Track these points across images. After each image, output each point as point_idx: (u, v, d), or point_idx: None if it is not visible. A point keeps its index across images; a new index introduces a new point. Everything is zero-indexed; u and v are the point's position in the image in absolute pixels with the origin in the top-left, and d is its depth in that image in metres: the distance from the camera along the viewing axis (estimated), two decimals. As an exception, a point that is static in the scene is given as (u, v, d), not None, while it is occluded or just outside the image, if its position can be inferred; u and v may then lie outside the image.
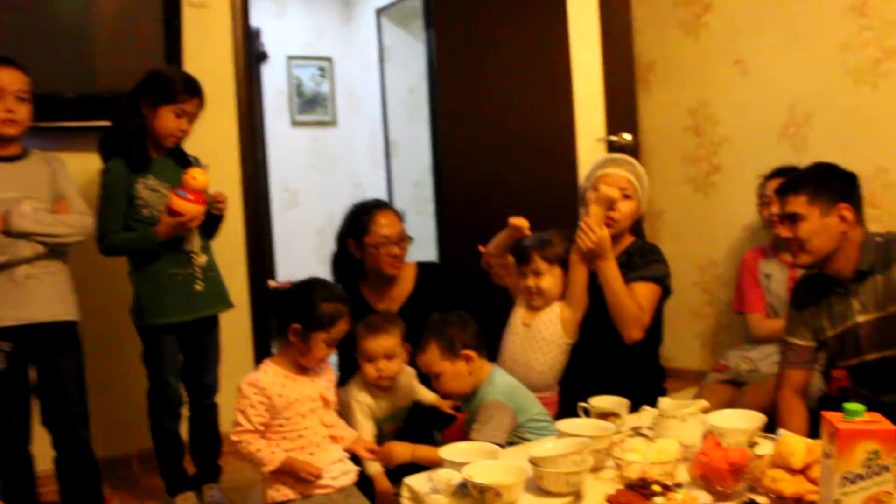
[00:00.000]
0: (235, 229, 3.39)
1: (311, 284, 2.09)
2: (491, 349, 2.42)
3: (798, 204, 2.17)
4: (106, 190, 2.60)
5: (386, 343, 2.35)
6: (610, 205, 2.54)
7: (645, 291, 2.56)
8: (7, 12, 2.88)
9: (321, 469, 2.00)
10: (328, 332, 2.03)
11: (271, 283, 2.13)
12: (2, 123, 2.38)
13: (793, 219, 2.19)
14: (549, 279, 2.55)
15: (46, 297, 2.42)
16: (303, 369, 2.07)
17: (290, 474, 1.99)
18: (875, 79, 3.22)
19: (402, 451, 2.16)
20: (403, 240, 2.73)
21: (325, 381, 2.09)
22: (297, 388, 2.03)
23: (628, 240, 2.70)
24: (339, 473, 2.04)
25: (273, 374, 2.03)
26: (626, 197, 2.64)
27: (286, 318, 2.03)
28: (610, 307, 2.52)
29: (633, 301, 2.51)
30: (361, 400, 2.39)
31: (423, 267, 2.87)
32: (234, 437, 2.00)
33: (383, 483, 2.22)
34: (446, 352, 2.20)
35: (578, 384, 2.36)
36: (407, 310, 2.76)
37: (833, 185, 2.18)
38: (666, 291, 2.61)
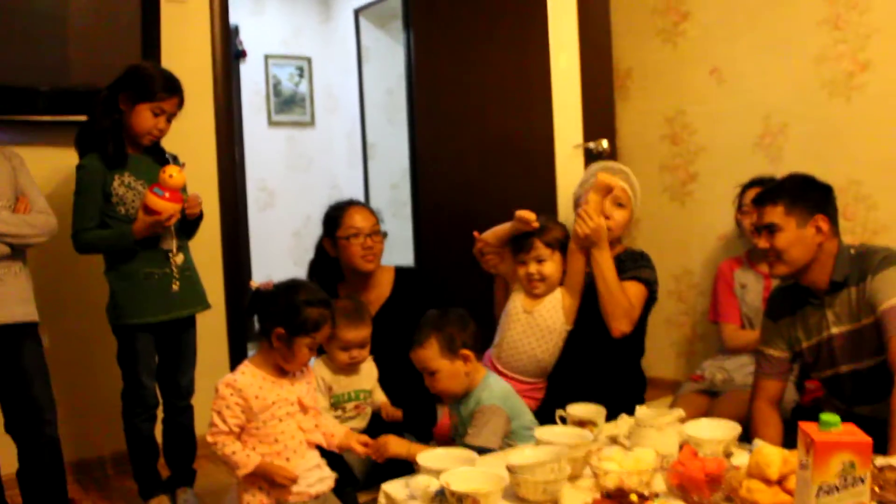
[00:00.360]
0: (211, 229, 3.36)
1: (295, 287, 2.06)
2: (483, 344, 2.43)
3: (775, 214, 2.19)
4: (81, 186, 2.56)
5: (364, 333, 2.40)
6: (608, 192, 2.56)
7: (634, 290, 2.59)
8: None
9: (297, 475, 1.98)
10: (312, 337, 2.01)
11: (253, 284, 2.09)
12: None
13: (770, 229, 2.21)
14: (551, 265, 2.60)
15: (9, 299, 2.37)
16: (282, 372, 2.04)
17: (264, 479, 1.97)
18: (849, 91, 3.26)
19: (398, 445, 2.13)
20: (377, 233, 2.73)
21: (304, 385, 2.07)
22: (275, 391, 2.00)
23: (619, 248, 2.72)
24: (315, 480, 2.02)
25: (251, 376, 2.00)
26: (620, 206, 2.67)
27: (270, 322, 2.00)
28: (601, 297, 2.55)
29: (624, 294, 2.54)
30: (322, 375, 2.42)
31: (400, 272, 2.87)
32: (210, 438, 1.97)
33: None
34: (445, 349, 2.19)
35: (561, 388, 2.36)
36: (383, 314, 2.76)
37: (809, 196, 2.21)
38: (652, 297, 2.64)
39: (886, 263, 2.14)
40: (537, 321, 2.59)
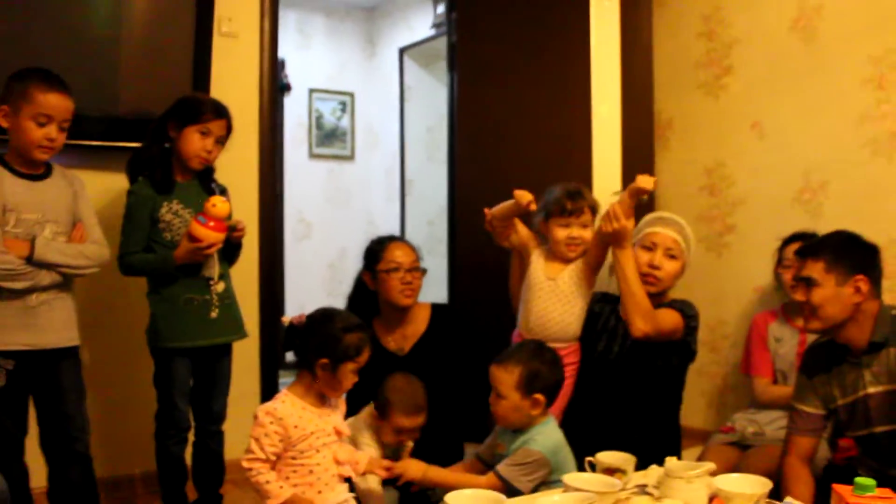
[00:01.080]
0: (250, 258, 3.41)
1: (329, 316, 2.09)
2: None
3: (815, 269, 2.19)
4: (130, 211, 2.63)
5: (419, 421, 2.39)
6: (640, 194, 2.57)
7: (667, 312, 2.62)
8: (37, 28, 2.91)
9: None
10: (356, 362, 2.04)
11: (285, 320, 2.13)
12: (40, 150, 2.35)
13: (808, 283, 2.20)
14: (591, 231, 2.70)
15: (55, 324, 2.41)
16: (321, 400, 2.07)
17: None
18: (891, 151, 3.26)
19: (416, 468, 2.17)
20: (416, 269, 2.76)
21: (339, 415, 2.10)
22: (314, 420, 2.03)
23: (666, 299, 2.74)
24: None
25: (291, 405, 2.03)
26: (672, 257, 2.69)
27: (311, 354, 2.03)
28: (622, 296, 2.59)
29: (644, 294, 2.57)
30: (368, 443, 2.41)
31: (437, 309, 2.89)
32: (245, 464, 1.99)
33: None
34: (523, 384, 2.19)
35: (595, 434, 2.36)
36: (418, 350, 2.78)
37: (853, 255, 2.20)
38: (687, 334, 2.65)
39: None
40: (561, 288, 2.65)
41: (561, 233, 2.69)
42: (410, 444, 2.45)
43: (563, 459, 2.21)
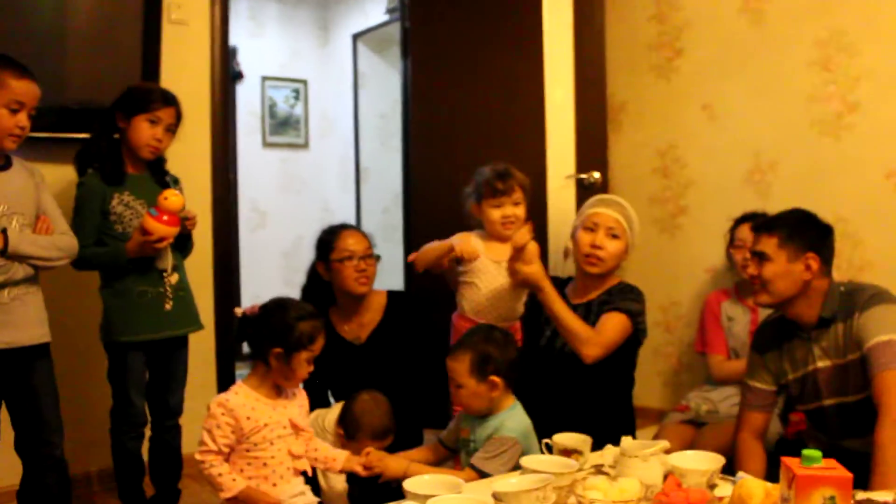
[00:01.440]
0: (203, 249, 3.37)
1: (282, 305, 2.09)
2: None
3: (768, 245, 2.24)
4: (80, 203, 2.58)
5: (387, 443, 2.39)
6: (519, 251, 2.60)
7: (612, 320, 2.61)
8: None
9: (281, 502, 1.98)
10: (310, 351, 2.03)
11: (238, 311, 2.13)
12: (10, 138, 2.28)
13: (761, 258, 2.25)
14: (524, 208, 2.73)
15: (29, 320, 2.35)
16: (277, 392, 2.06)
17: None
18: (838, 131, 3.32)
19: (397, 465, 2.17)
20: (370, 256, 2.76)
21: (296, 407, 2.09)
22: (268, 412, 2.01)
23: (614, 280, 2.75)
24: None
25: (244, 396, 2.02)
26: (614, 237, 2.70)
27: (264, 343, 2.02)
28: (560, 331, 2.60)
29: (580, 321, 2.58)
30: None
31: (393, 296, 2.89)
32: (198, 457, 1.98)
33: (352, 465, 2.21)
34: (475, 369, 2.19)
35: (549, 417, 2.38)
36: (375, 338, 2.78)
37: (806, 233, 2.24)
38: (636, 327, 2.65)
39: (874, 301, 2.19)
40: (504, 266, 2.68)
41: (495, 213, 2.72)
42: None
43: (532, 443, 2.22)
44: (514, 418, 2.23)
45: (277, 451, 2.02)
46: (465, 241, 2.70)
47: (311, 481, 2.18)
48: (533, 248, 2.61)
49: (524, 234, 2.58)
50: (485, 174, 2.75)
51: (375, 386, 2.51)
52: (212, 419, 1.98)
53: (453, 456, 2.37)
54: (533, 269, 2.57)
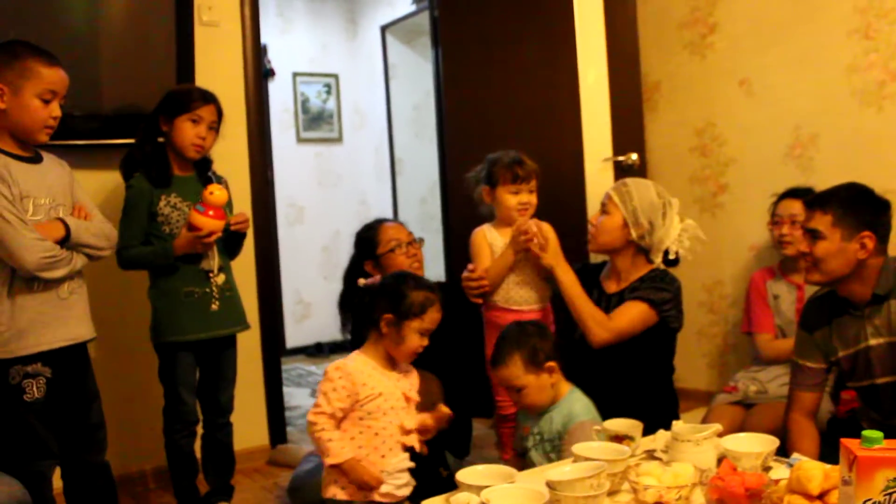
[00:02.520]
0: (246, 247, 3.32)
1: (401, 276, 2.14)
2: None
3: (822, 222, 2.17)
4: (128, 205, 2.61)
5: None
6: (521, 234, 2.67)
7: (630, 307, 2.61)
8: (12, 26, 2.84)
9: (383, 480, 1.99)
10: (421, 320, 2.03)
11: (361, 281, 2.26)
12: (45, 130, 2.21)
13: (814, 235, 2.18)
14: (536, 195, 2.78)
15: (84, 314, 2.34)
16: (391, 364, 2.07)
17: (348, 476, 1.97)
18: (880, 101, 3.25)
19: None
20: (414, 241, 2.77)
21: (409, 383, 2.09)
22: (384, 382, 2.02)
23: (646, 267, 2.71)
24: (403, 483, 2.04)
25: (362, 363, 2.03)
26: (605, 212, 2.69)
27: (378, 310, 2.04)
28: (572, 314, 2.63)
29: (591, 306, 2.61)
30: None
31: (440, 286, 2.89)
32: (311, 418, 1.97)
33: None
34: (530, 364, 2.21)
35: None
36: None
37: (862, 210, 2.17)
38: (661, 315, 2.61)
39: None
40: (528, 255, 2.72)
41: (512, 199, 2.74)
42: (424, 447, 2.44)
43: (599, 417, 2.24)
44: (579, 401, 2.25)
45: (389, 423, 2.01)
46: (529, 226, 2.69)
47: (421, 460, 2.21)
48: (547, 232, 2.67)
49: (527, 222, 2.66)
50: (502, 160, 2.77)
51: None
52: (328, 382, 1.98)
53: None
54: (549, 255, 2.65)
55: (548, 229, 2.69)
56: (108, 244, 2.38)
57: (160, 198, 2.61)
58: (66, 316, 2.27)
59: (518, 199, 2.74)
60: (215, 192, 2.55)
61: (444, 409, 2.23)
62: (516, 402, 2.28)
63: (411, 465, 2.07)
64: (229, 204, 2.69)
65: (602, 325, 2.57)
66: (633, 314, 2.59)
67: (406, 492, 2.06)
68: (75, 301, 2.30)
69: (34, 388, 2.22)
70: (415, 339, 2.04)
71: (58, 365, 2.27)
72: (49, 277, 2.19)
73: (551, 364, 2.21)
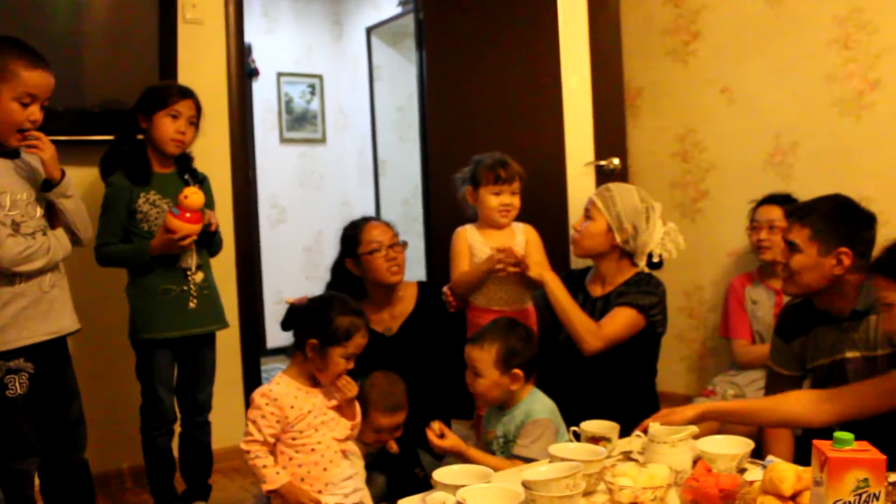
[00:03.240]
0: (226, 246, 3.34)
1: (328, 299, 2.13)
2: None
3: (800, 235, 2.15)
4: (107, 201, 2.61)
5: (399, 419, 2.42)
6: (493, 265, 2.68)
7: (619, 314, 2.62)
8: (-6, 23, 2.85)
9: (319, 500, 2.01)
10: (345, 347, 2.05)
11: (288, 299, 2.18)
12: (17, 136, 2.17)
13: (791, 247, 2.17)
14: (519, 198, 2.79)
15: (66, 307, 2.34)
16: (315, 382, 2.09)
17: (287, 499, 1.99)
18: (859, 110, 3.29)
19: (455, 441, 2.24)
20: (397, 244, 2.76)
21: (329, 395, 2.11)
22: (310, 399, 2.05)
23: (631, 271, 2.73)
24: (350, 490, 2.06)
25: (286, 386, 2.05)
26: (588, 218, 2.70)
27: (303, 334, 2.06)
28: (562, 323, 2.63)
29: (582, 315, 2.61)
30: None
31: (424, 286, 2.89)
32: (244, 447, 2.00)
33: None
34: (501, 361, 2.22)
35: (574, 406, 2.38)
36: (406, 329, 2.78)
37: (841, 226, 2.14)
38: (649, 319, 2.64)
39: None
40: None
41: (494, 200, 2.76)
42: (394, 445, 2.46)
43: (560, 421, 2.25)
44: (538, 401, 2.25)
45: (323, 437, 2.05)
46: (505, 248, 2.70)
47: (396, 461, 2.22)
48: (532, 241, 2.74)
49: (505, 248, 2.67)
50: (485, 161, 2.79)
51: (407, 376, 2.51)
52: (256, 410, 2.01)
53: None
54: (534, 267, 2.66)
55: (533, 240, 2.73)
56: (88, 234, 2.38)
57: (139, 195, 2.60)
58: (48, 309, 2.26)
59: (500, 200, 2.76)
60: (190, 196, 2.54)
61: (393, 445, 2.35)
62: (469, 384, 2.27)
63: (356, 470, 2.10)
64: (210, 203, 2.68)
65: (594, 334, 2.57)
66: (623, 320, 2.61)
67: (355, 498, 2.07)
68: (57, 294, 2.29)
69: (17, 384, 2.21)
70: (340, 363, 2.06)
71: (39, 360, 2.25)
72: (29, 270, 2.18)
73: (518, 372, 2.22)
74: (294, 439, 2.02)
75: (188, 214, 2.53)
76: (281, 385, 2.05)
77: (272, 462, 2.00)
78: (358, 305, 2.14)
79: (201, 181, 2.74)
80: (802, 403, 2.09)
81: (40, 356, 2.25)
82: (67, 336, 2.36)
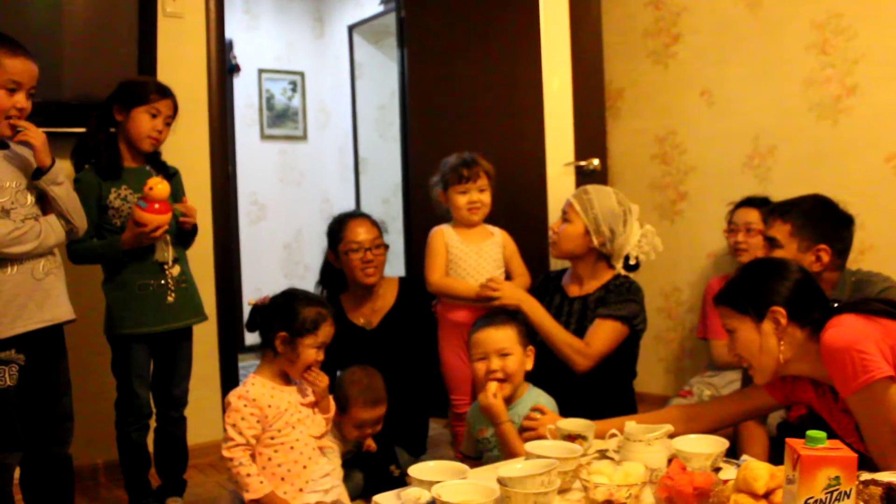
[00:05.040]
0: (204, 242, 3.37)
1: (290, 293, 2.15)
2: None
3: (781, 231, 2.21)
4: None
5: (380, 412, 2.42)
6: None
7: (605, 329, 2.62)
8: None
9: None
10: (315, 336, 2.05)
11: (250, 301, 2.16)
12: (6, 122, 2.15)
13: (772, 243, 2.22)
14: (489, 195, 2.82)
15: (61, 295, 2.30)
16: (287, 380, 2.10)
17: None
18: (836, 114, 3.32)
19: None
20: (378, 246, 2.76)
21: (301, 392, 2.11)
22: (285, 397, 2.05)
23: (609, 273, 2.74)
24: (329, 487, 2.05)
25: (261, 386, 2.05)
26: (566, 220, 2.71)
27: (271, 330, 2.05)
28: (550, 346, 2.62)
29: (566, 335, 2.62)
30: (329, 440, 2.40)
31: (404, 282, 2.90)
32: (226, 454, 1.99)
33: None
34: (522, 338, 2.27)
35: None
36: (386, 324, 2.78)
37: (821, 223, 2.20)
38: (633, 330, 2.66)
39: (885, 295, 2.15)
40: (483, 250, 2.79)
41: (461, 199, 2.80)
42: (372, 444, 2.45)
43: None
44: (542, 395, 2.30)
45: (301, 434, 2.05)
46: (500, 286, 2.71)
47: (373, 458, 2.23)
48: (510, 249, 2.82)
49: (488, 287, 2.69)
50: (451, 162, 2.83)
51: (385, 372, 2.51)
52: (235, 413, 1.99)
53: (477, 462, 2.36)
54: (508, 295, 2.66)
55: (510, 248, 2.79)
56: (81, 223, 2.35)
57: (110, 190, 2.58)
58: (41, 297, 2.23)
59: (467, 198, 2.79)
60: (155, 187, 2.50)
61: (371, 444, 2.38)
62: (499, 368, 2.23)
63: (333, 467, 2.10)
64: (180, 195, 2.67)
65: (582, 354, 2.59)
66: (608, 335, 2.62)
67: (334, 495, 2.07)
68: (52, 282, 2.26)
69: (6, 376, 2.18)
70: (310, 353, 2.06)
71: (32, 351, 2.23)
72: (18, 252, 2.15)
73: (532, 349, 2.30)
74: (273, 438, 2.01)
75: (157, 206, 2.50)
76: (256, 385, 2.05)
77: (255, 471, 1.98)
78: (321, 297, 2.18)
79: (172, 175, 2.72)
80: (674, 419, 2.12)
81: (33, 347, 2.23)
82: (64, 325, 2.33)
